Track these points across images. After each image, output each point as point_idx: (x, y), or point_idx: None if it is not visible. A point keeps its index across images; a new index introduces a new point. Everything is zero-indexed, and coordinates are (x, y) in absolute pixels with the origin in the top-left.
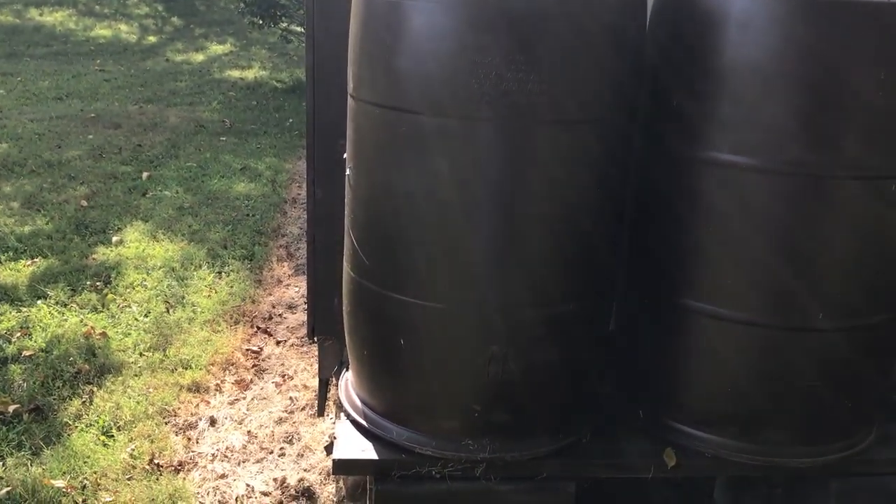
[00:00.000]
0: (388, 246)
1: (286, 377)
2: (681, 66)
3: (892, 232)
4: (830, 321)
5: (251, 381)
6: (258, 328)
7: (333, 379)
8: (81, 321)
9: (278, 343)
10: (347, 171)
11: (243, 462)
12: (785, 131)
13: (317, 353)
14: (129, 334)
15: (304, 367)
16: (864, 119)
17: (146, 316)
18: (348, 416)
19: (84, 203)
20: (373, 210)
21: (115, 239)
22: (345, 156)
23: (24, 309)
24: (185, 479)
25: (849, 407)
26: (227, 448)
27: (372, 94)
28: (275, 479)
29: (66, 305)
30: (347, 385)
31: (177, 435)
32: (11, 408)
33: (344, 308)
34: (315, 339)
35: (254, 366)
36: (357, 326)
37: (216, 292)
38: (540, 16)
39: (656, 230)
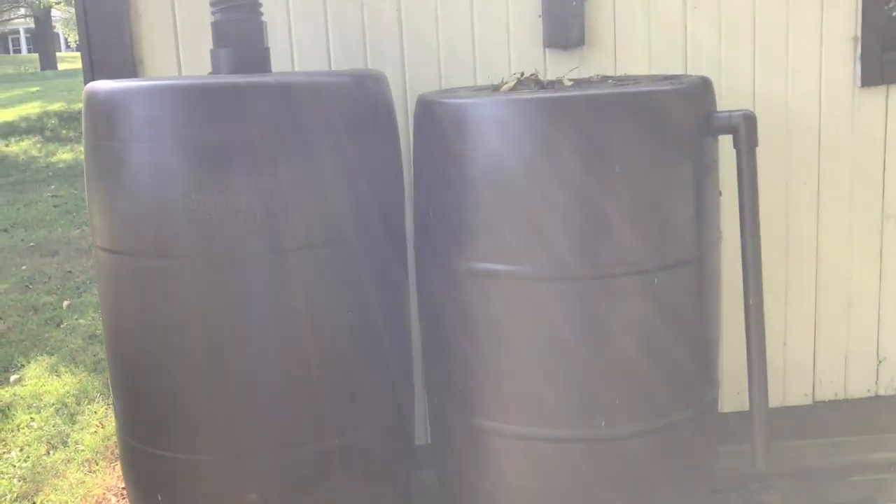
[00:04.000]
0: (133, 397)
1: None
2: (430, 177)
3: (662, 325)
4: (619, 427)
5: None
6: None
7: None
8: None
9: None
10: None
11: None
12: (537, 236)
13: None
14: (0, 484)
15: None
16: (606, 215)
17: (26, 461)
18: None
19: None
20: (118, 361)
21: (13, 378)
22: None
23: None
24: None
25: None
26: None
27: (100, 240)
28: None
29: None
30: None
31: None
32: None
33: None
34: None
35: None
36: (127, 486)
37: (104, 427)
38: (237, 142)
39: (439, 346)
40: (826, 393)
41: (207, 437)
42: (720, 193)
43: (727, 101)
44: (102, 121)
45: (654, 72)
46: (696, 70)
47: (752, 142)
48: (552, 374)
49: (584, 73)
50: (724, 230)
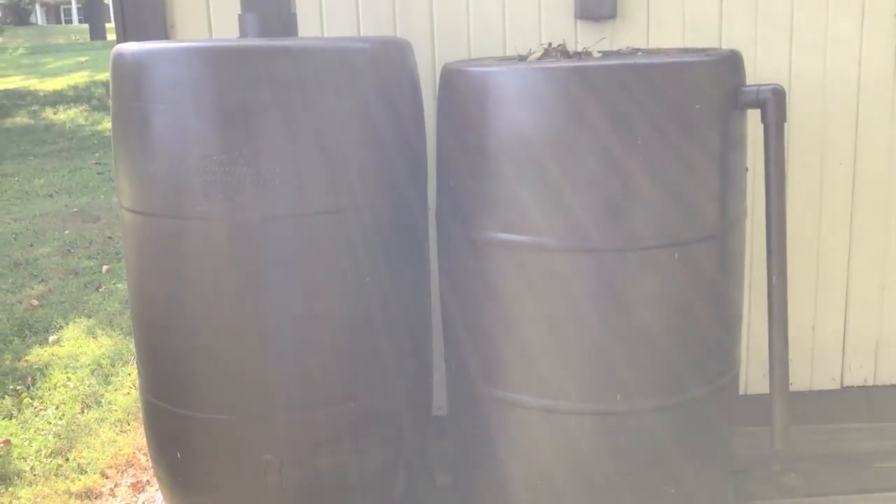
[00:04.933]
0: (155, 357)
1: None
2: (453, 146)
3: (683, 300)
4: (636, 401)
5: (147, 483)
6: None
7: None
8: None
9: None
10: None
11: None
12: (557, 207)
13: None
14: (36, 440)
15: None
16: (628, 187)
17: (61, 419)
18: None
19: (34, 303)
20: (141, 322)
21: (52, 338)
22: None
23: None
24: None
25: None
26: None
27: (126, 200)
28: None
29: None
30: None
31: None
32: None
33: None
34: None
35: None
36: (148, 443)
37: (136, 388)
38: (259, 105)
39: (459, 316)
40: (855, 378)
41: (225, 397)
42: (746, 169)
43: (762, 77)
44: (128, 82)
45: (690, 46)
46: (730, 46)
47: (781, 117)
48: (570, 347)
49: (615, 46)
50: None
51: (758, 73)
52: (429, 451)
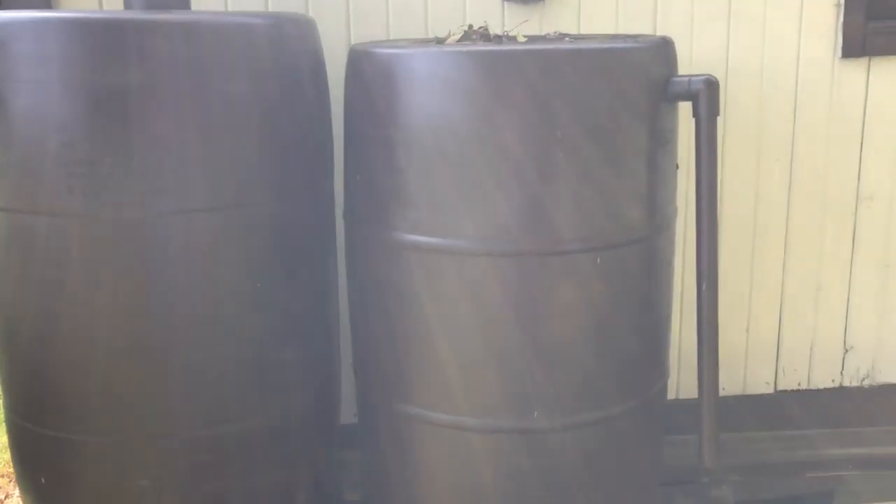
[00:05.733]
0: (19, 371)
1: None
2: (359, 137)
3: (606, 309)
4: (554, 418)
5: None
6: None
7: None
8: None
9: None
10: None
11: None
12: (468, 207)
13: None
14: None
15: None
16: (546, 186)
17: None
18: None
19: None
20: (1, 332)
21: None
22: None
23: None
24: None
25: None
26: None
27: None
28: None
29: None
30: None
31: None
32: None
33: None
34: None
35: None
36: (13, 466)
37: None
38: (134, 87)
39: (366, 324)
40: (789, 382)
41: (96, 416)
42: (677, 166)
43: (698, 67)
44: None
45: (623, 32)
46: (666, 33)
47: (714, 110)
48: (483, 359)
49: (544, 31)
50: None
51: (693, 63)
52: (339, 462)
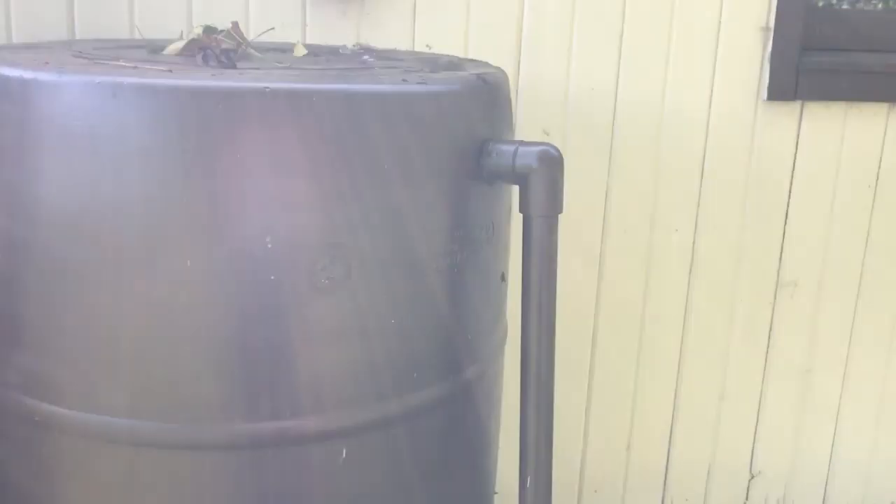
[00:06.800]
0: None
1: None
2: None
3: None
4: None
5: None
6: None
7: None
8: None
9: None
10: None
11: None
12: (103, 364)
13: None
14: None
15: None
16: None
17: None
18: None
19: None
20: None
21: None
22: None
23: None
24: None
25: None
26: None
27: None
28: None
29: None
30: None
31: None
32: None
33: None
34: None
35: None
36: None
37: None
38: None
39: None
40: None
41: None
42: (503, 278)
43: (576, 105)
44: None
45: (474, 55)
46: (535, 58)
47: (554, 205)
48: None
49: (362, 38)
50: None
51: (569, 96)
52: None
